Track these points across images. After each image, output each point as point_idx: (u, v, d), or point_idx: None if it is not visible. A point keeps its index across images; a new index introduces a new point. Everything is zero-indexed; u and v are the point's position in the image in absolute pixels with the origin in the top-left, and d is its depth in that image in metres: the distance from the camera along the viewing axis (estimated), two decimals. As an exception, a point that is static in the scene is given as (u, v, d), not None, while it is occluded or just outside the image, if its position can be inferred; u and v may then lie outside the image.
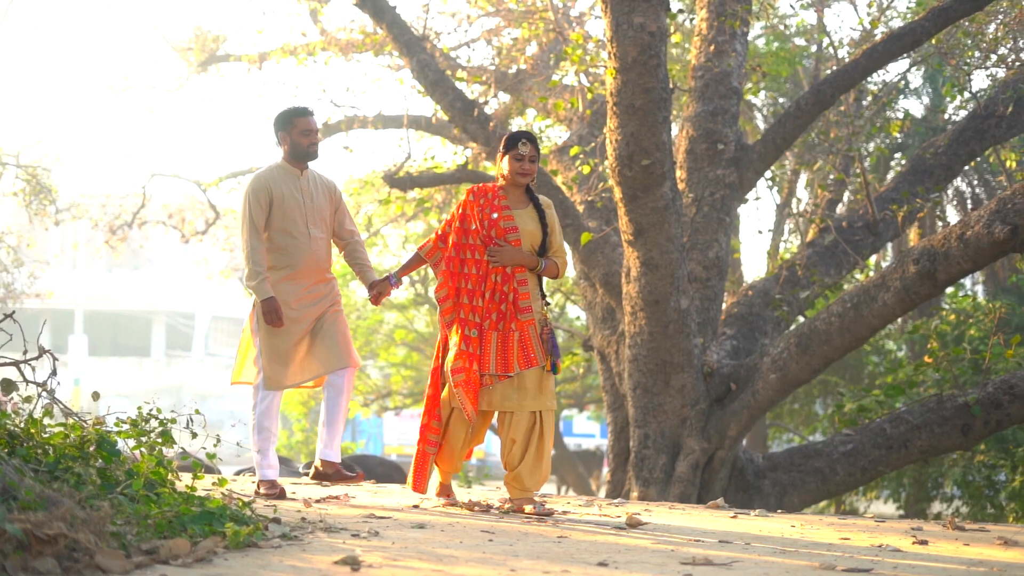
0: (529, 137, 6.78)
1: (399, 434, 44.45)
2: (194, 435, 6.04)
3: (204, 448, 6.53)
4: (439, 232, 6.90)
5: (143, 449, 5.50)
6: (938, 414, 11.04)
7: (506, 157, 6.76)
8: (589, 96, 13.41)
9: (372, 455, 14.95)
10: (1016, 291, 21.14)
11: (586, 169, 12.15)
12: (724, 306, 12.68)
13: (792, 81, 19.17)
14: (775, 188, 18.97)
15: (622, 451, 12.24)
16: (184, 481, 5.52)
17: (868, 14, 15.76)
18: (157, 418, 5.79)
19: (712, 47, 11.83)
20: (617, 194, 10.39)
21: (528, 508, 6.54)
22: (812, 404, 22.09)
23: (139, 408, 5.83)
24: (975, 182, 22.41)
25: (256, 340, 7.04)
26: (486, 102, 14.95)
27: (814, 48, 18.00)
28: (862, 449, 11.25)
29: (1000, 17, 14.75)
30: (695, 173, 11.75)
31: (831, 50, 14.94)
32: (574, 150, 12.28)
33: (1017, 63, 14.54)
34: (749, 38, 18.64)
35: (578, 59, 11.73)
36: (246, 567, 4.05)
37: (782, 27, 19.12)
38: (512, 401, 6.55)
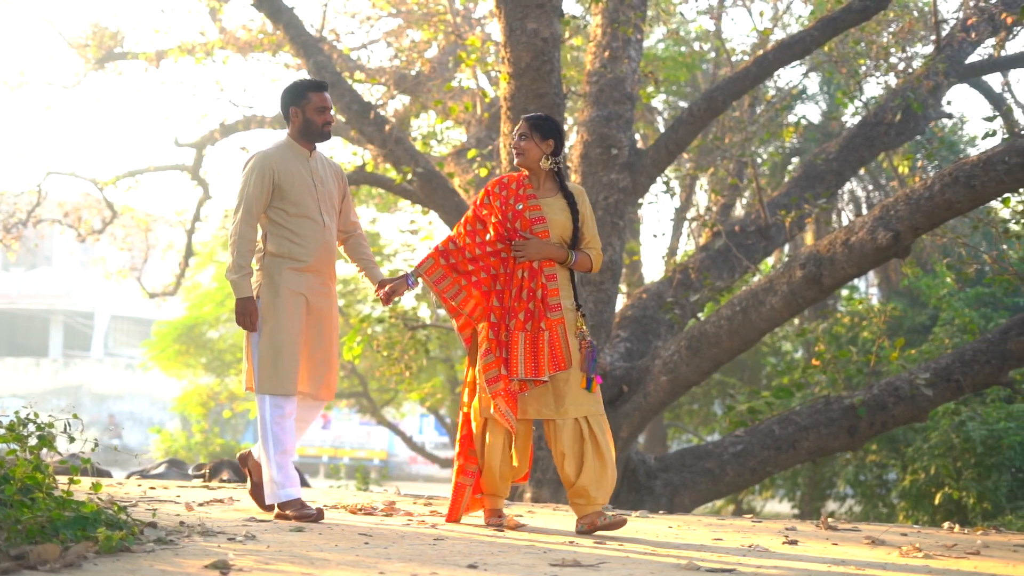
0: (526, 116, 6.32)
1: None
2: (71, 439, 5.76)
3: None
4: (440, 248, 6.25)
5: (20, 453, 5.45)
6: (825, 415, 11.28)
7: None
8: (487, 99, 13.48)
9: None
10: (908, 294, 21.60)
11: (483, 172, 12.23)
12: (618, 308, 12.81)
13: (691, 85, 19.41)
14: (669, 192, 19.18)
15: (517, 452, 12.31)
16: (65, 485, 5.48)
17: (765, 22, 15.99)
18: (35, 422, 5.70)
19: (607, 53, 11.96)
20: (511, 198, 10.46)
21: (601, 521, 5.92)
22: (710, 405, 22.38)
23: (16, 412, 5.77)
24: (870, 187, 22.87)
25: (255, 338, 6.14)
26: (385, 104, 14.96)
27: (712, 54, 18.23)
28: (751, 450, 11.45)
29: (891, 27, 15.09)
30: (589, 177, 11.86)
31: (725, 56, 15.15)
32: (471, 153, 12.34)
33: (907, 71, 14.88)
34: (649, 43, 18.89)
35: (472, 63, 11.79)
36: (115, 572, 4.05)
37: (681, 32, 19.33)
38: (550, 409, 6.00)
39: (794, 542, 5.82)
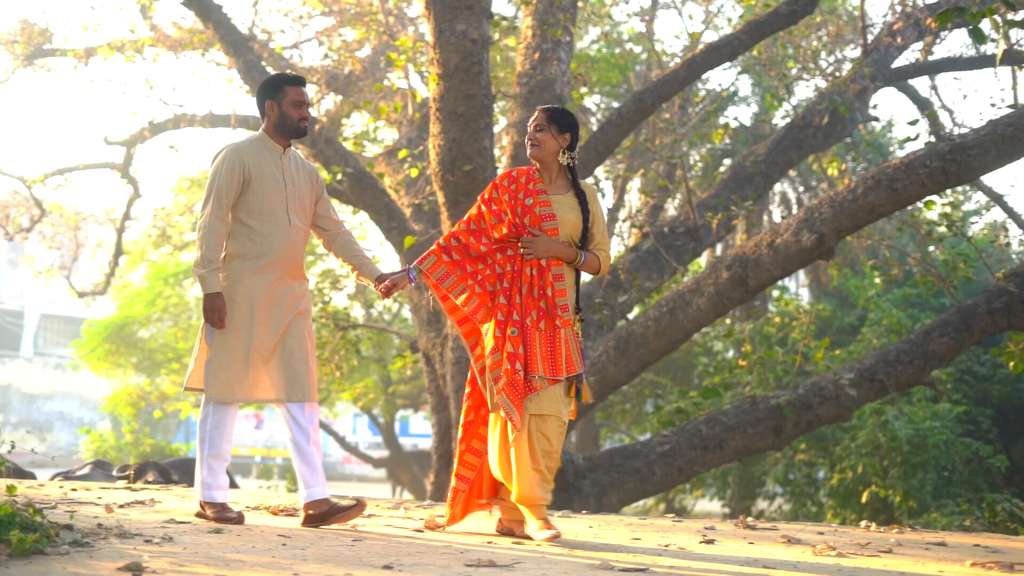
0: (543, 106, 6.03)
1: (236, 434, 44.05)
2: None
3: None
4: (442, 244, 5.96)
5: (-66, 455, 5.40)
6: (752, 415, 11.39)
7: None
8: (418, 100, 13.49)
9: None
10: (838, 295, 21.86)
11: (414, 172, 12.23)
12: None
13: (624, 87, 19.52)
14: (600, 193, 19.27)
15: (445, 453, 12.35)
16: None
17: (696, 25, 16.12)
18: (-49, 424, 5.62)
19: (537, 55, 12.00)
20: (440, 199, 10.51)
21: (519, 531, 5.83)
22: (643, 404, 22.53)
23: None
24: (801, 188, 23.11)
25: (208, 339, 6.01)
26: (316, 103, 14.91)
27: (645, 55, 18.35)
28: (679, 449, 11.54)
29: (820, 30, 15.26)
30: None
31: (656, 58, 15.26)
32: (402, 153, 12.34)
33: (836, 75, 15.06)
34: (583, 44, 18.98)
35: (401, 64, 11.80)
36: (27, 575, 4.03)
37: (614, 34, 19.44)
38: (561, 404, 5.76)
39: (711, 541, 5.88)
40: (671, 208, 18.30)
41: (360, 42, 15.42)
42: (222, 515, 5.90)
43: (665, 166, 14.77)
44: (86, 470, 11.31)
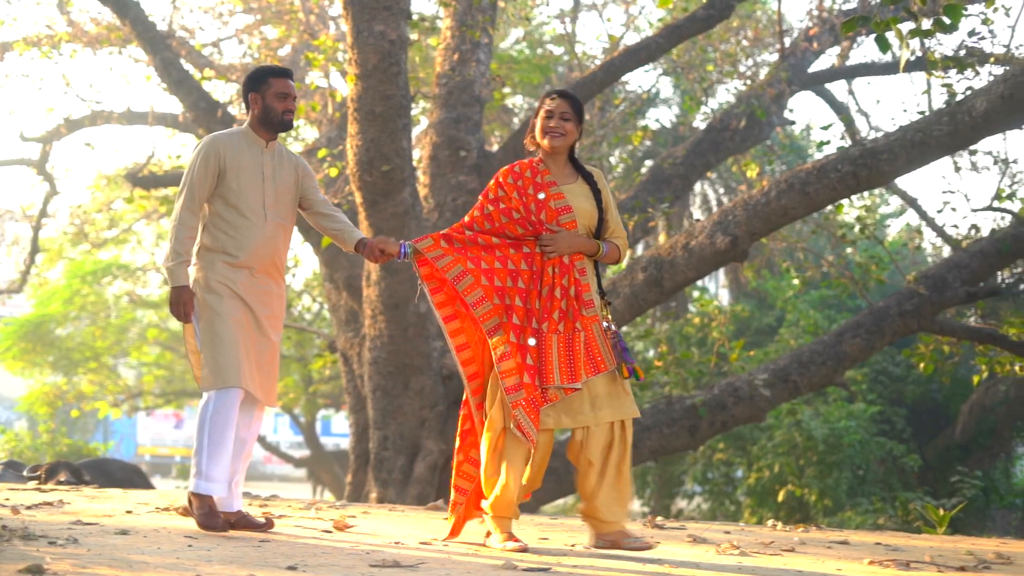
0: (561, 92, 5.62)
1: (152, 434, 43.73)
2: None
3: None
4: (442, 233, 5.56)
5: None
6: (667, 415, 11.51)
7: (538, 119, 5.58)
8: (338, 99, 13.47)
9: (113, 459, 14.59)
10: (757, 296, 22.11)
11: (333, 172, 12.20)
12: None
13: (547, 87, 19.61)
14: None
15: (363, 452, 12.35)
16: None
17: (617, 27, 16.23)
18: None
19: (456, 56, 12.03)
20: (358, 199, 10.51)
21: (626, 544, 5.39)
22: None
23: None
24: (721, 190, 23.34)
25: (197, 334, 5.72)
26: (231, 101, 14.83)
27: (567, 56, 18.45)
28: (594, 449, 11.61)
29: (740, 34, 15.43)
30: (438, 179, 11.92)
31: (577, 60, 15.34)
32: (322, 152, 12.32)
33: (754, 78, 15.23)
34: (506, 44, 19.03)
35: (319, 64, 11.77)
36: (-76, 579, 4.00)
37: (536, 35, 19.52)
38: (586, 415, 5.35)
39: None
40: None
41: (280, 40, 15.36)
42: (207, 520, 5.55)
43: (585, 167, 14.84)
44: (-2, 470, 11.16)
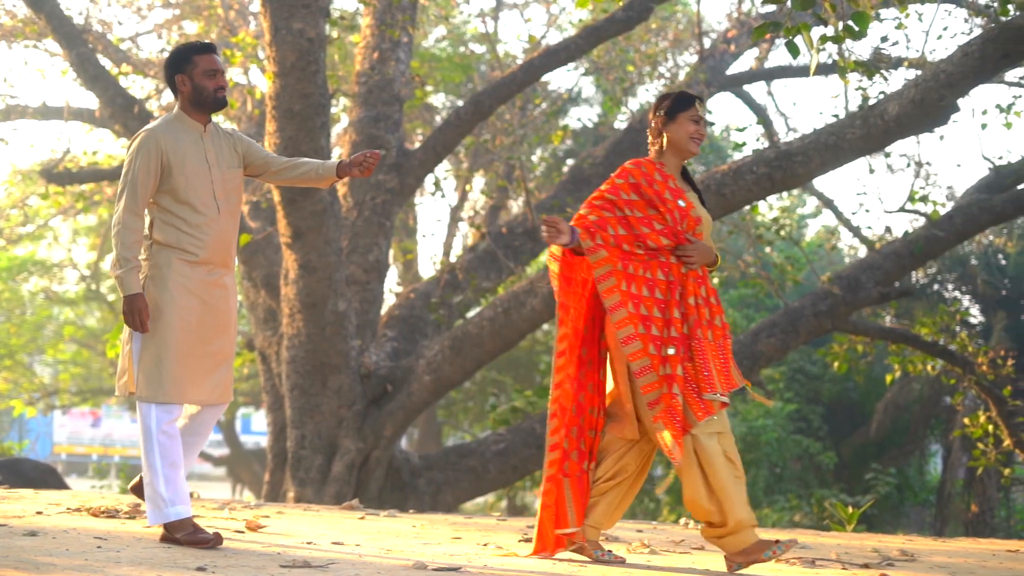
0: (700, 97, 5.38)
1: (68, 432, 43.18)
2: None
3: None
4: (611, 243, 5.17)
5: None
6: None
7: (674, 121, 5.27)
8: (257, 96, 13.40)
9: (27, 459, 14.42)
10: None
11: (251, 169, 12.11)
12: (386, 308, 12.90)
13: (468, 86, 19.63)
14: (440, 192, 19.36)
15: (280, 452, 12.30)
16: None
17: (538, 27, 16.29)
18: None
19: (376, 54, 12.02)
20: (276, 197, 10.47)
21: (768, 555, 5.01)
22: (485, 402, 22.66)
23: None
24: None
25: (136, 338, 5.30)
26: (149, 96, 14.70)
27: (488, 55, 18.49)
28: (513, 448, 11.68)
29: (660, 35, 15.55)
30: (356, 178, 11.89)
31: (498, 60, 15.38)
32: (240, 150, 12.22)
33: (674, 79, 15.36)
34: (428, 43, 19.02)
35: (238, 61, 11.71)
36: None
37: (458, 33, 19.54)
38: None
39: (529, 539, 5.97)
40: (516, 208, 18.46)
41: (200, 36, 15.21)
42: (195, 538, 5.19)
43: (505, 167, 14.90)
44: (-93, 471, 11.00)
